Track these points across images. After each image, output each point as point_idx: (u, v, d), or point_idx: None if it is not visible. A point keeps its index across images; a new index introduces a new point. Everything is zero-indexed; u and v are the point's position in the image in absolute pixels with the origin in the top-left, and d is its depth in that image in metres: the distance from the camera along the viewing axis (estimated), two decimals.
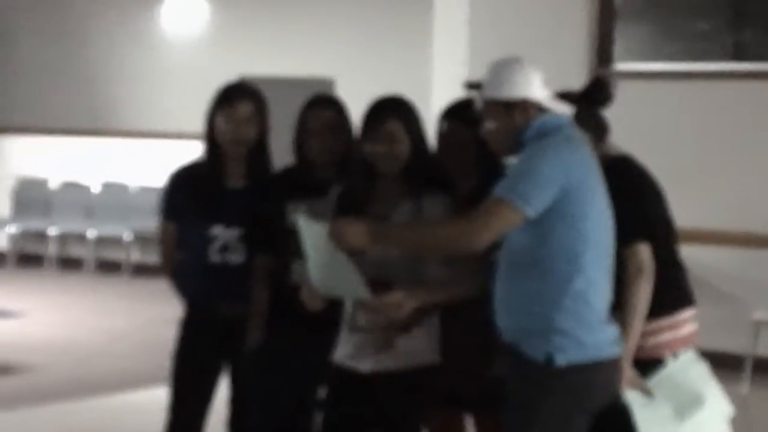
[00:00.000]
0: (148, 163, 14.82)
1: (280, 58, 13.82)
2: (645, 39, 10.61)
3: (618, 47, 10.51)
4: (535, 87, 4.26)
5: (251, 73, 13.94)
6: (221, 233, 5.16)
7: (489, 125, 4.33)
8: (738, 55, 10.25)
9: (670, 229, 4.66)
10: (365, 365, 4.71)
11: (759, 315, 9.32)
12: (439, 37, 11.19)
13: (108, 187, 15.39)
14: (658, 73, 10.30)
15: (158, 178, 13.79)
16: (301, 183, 5.06)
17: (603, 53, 10.42)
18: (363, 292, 4.48)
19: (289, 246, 4.80)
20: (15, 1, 16.11)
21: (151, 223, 13.12)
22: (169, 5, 15.19)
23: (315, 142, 5.07)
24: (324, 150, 5.05)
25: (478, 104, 4.39)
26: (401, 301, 4.48)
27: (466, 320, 4.59)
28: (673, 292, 4.57)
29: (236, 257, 5.15)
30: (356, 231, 4.25)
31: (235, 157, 5.20)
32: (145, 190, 14.74)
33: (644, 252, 4.40)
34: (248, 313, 5.14)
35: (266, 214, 5.07)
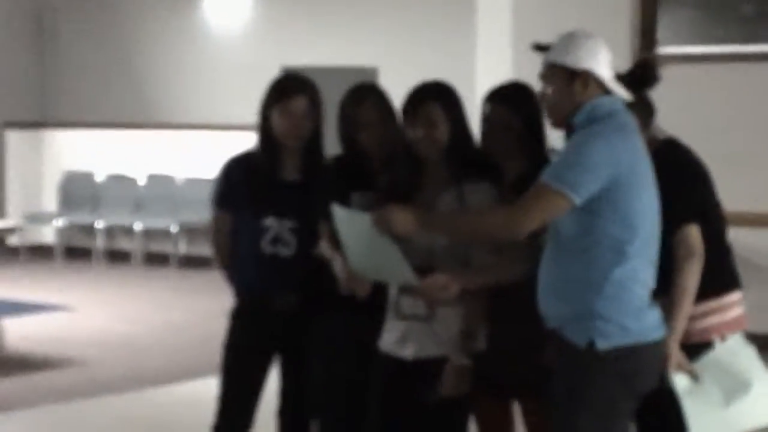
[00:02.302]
0: (194, 155, 14.94)
1: (322, 48, 13.86)
2: (689, 22, 10.56)
3: (662, 31, 10.48)
4: (602, 64, 4.24)
5: (294, 64, 14.03)
6: (273, 225, 5.16)
7: (547, 90, 4.31)
8: None
9: (718, 212, 4.64)
10: (408, 352, 4.74)
11: None
12: (482, 24, 11.18)
13: (154, 179, 15.49)
14: (703, 56, 10.25)
15: (204, 169, 14.02)
16: (356, 174, 5.03)
17: (647, 37, 10.38)
18: (409, 277, 4.50)
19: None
20: (62, 1, 16.19)
21: (198, 214, 13.33)
22: (214, 0, 15.24)
23: (366, 136, 5.04)
24: (375, 142, 5.01)
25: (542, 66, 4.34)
26: (446, 284, 4.51)
27: (515, 308, 4.58)
28: (720, 275, 4.55)
29: (287, 249, 5.15)
30: (403, 218, 4.28)
31: (289, 149, 5.20)
32: (191, 182, 14.88)
33: (694, 235, 4.40)
34: (298, 304, 5.16)
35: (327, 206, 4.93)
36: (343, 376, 5.07)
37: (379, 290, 4.79)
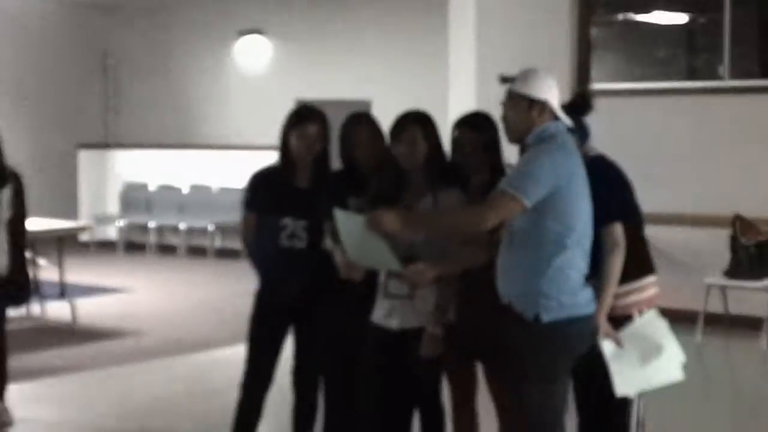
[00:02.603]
0: (226, 168, 14.89)
1: (327, 84, 13.80)
2: (616, 63, 10.60)
3: (595, 70, 10.50)
4: (555, 96, 4.26)
5: (305, 97, 14.00)
6: (290, 223, 5.15)
7: (508, 113, 4.32)
8: (690, 76, 10.23)
9: (637, 213, 4.64)
10: (394, 323, 4.75)
11: (709, 280, 9.28)
12: (453, 64, 11.17)
13: (195, 188, 15.49)
14: (626, 90, 10.26)
15: (234, 180, 14.01)
16: (352, 183, 5.02)
17: (583, 74, 10.40)
18: (395, 264, 4.51)
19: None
20: (124, 45, 16.20)
21: (231, 216, 13.29)
22: (241, 45, 15.28)
23: (360, 153, 5.05)
24: (367, 157, 5.02)
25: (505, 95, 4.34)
26: (424, 270, 4.52)
27: (479, 288, 4.56)
28: (639, 263, 4.54)
29: (300, 243, 5.15)
30: (390, 219, 4.26)
31: (303, 164, 5.19)
32: (224, 190, 14.83)
33: (618, 231, 4.39)
34: (310, 287, 5.16)
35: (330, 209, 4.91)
36: (343, 343, 5.07)
37: (371, 275, 4.80)
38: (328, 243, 4.97)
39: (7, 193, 6.44)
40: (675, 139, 9.95)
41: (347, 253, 4.68)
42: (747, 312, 9.40)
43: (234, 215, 15.37)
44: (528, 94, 4.23)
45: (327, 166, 5.26)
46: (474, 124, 4.79)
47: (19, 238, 6.52)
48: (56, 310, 10.13)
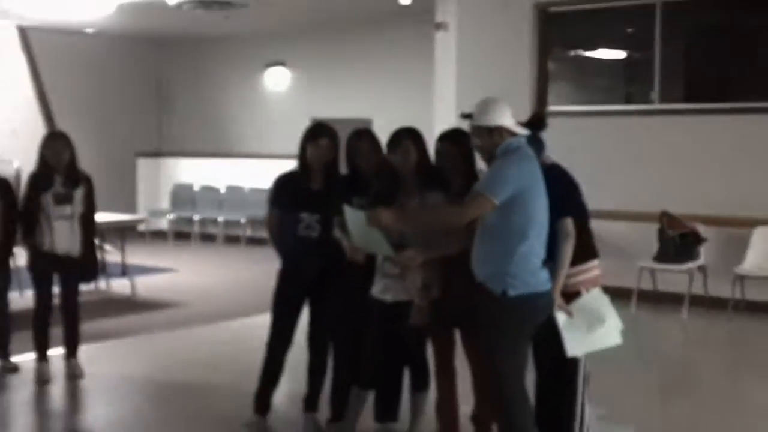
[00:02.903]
0: (255, 172, 14.81)
1: (337, 105, 13.79)
2: (566, 90, 10.61)
3: (550, 96, 10.50)
4: (507, 118, 4.24)
5: (319, 116, 14.02)
6: (306, 217, 5.11)
7: (476, 142, 4.32)
8: (627, 101, 10.24)
9: (584, 210, 4.61)
10: (388, 297, 4.76)
11: (641, 263, 9.32)
12: (437, 91, 11.18)
13: (231, 188, 15.41)
14: (576, 112, 10.25)
15: (262, 182, 14.02)
16: (356, 186, 5.01)
17: (541, 99, 10.40)
18: (388, 250, 4.52)
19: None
20: (174, 73, 16.22)
21: (259, 211, 13.25)
22: (267, 74, 15.24)
23: (362, 161, 5.05)
24: (368, 165, 5.02)
25: (469, 128, 4.35)
26: (413, 256, 4.52)
27: (458, 270, 4.52)
28: (585, 249, 4.52)
29: (314, 233, 5.11)
30: (386, 215, 4.28)
31: (316, 169, 5.16)
32: (254, 190, 14.74)
33: (569, 224, 4.37)
34: (322, 268, 5.12)
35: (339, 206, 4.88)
36: (348, 312, 5.06)
37: (370, 259, 4.81)
38: (337, 233, 4.95)
39: (80, 192, 6.45)
40: (615, 151, 9.95)
41: (353, 240, 4.68)
42: (671, 289, 9.43)
43: (261, 210, 15.44)
44: (485, 124, 4.24)
45: (336, 171, 5.23)
46: (454, 139, 4.77)
47: (89, 228, 6.53)
48: (119, 286, 10.19)
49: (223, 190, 15.51)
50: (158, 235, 15.46)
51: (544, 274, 4.20)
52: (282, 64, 15.06)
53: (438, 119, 10.52)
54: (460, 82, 10.75)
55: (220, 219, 15.09)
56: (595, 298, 4.48)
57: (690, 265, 9.14)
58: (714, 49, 9.83)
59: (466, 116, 4.35)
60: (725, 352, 8.30)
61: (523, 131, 4.29)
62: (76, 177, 6.45)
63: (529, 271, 4.12)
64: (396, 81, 13.54)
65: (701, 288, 9.30)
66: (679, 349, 8.31)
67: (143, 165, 16.11)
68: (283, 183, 5.31)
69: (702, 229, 9.18)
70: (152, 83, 16.38)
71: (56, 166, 6.37)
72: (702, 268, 9.27)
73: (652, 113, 9.88)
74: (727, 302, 9.14)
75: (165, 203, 16.00)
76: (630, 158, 9.89)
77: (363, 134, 5.13)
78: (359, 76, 14.04)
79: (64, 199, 6.36)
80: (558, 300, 4.34)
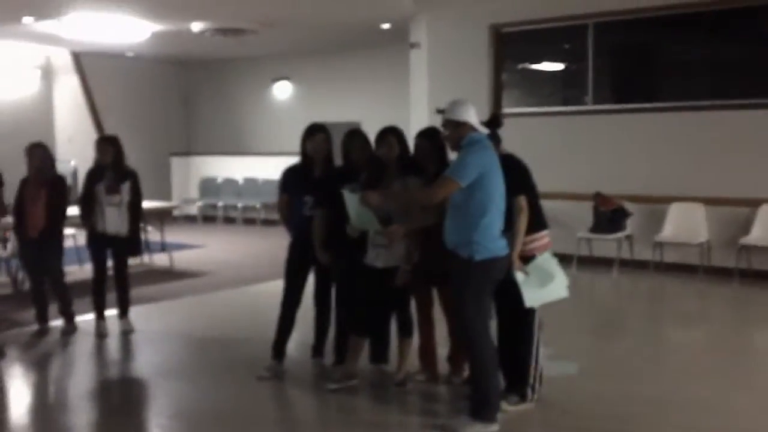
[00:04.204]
0: (267, 167, 14.74)
1: (331, 110, 13.74)
2: (518, 95, 10.61)
3: (504, 100, 10.49)
4: (472, 116, 4.23)
5: (317, 119, 13.87)
6: (309, 200, 5.10)
7: (445, 133, 4.31)
8: (565, 103, 10.26)
9: (534, 190, 4.58)
10: (379, 263, 4.76)
11: (580, 234, 9.33)
12: (413, 96, 11.16)
13: (247, 180, 15.31)
14: (525, 113, 10.25)
15: (273, 174, 13.92)
16: (348, 175, 4.94)
17: (497, 102, 10.40)
18: (377, 225, 4.54)
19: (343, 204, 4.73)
20: (199, 87, 16.09)
21: (270, 198, 13.30)
22: (274, 87, 15.14)
23: (354, 155, 4.98)
24: (360, 158, 4.96)
25: (441, 121, 4.31)
26: (397, 229, 4.54)
27: (433, 239, 4.54)
28: (537, 221, 4.52)
29: (317, 213, 5.06)
30: (375, 197, 4.30)
31: (316, 161, 5.14)
32: (266, 181, 14.69)
33: (523, 200, 4.37)
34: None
35: (333, 187, 4.87)
36: (348, 277, 5.05)
37: (364, 234, 4.79)
38: (348, 229, 4.79)
39: (127, 185, 6.43)
40: (557, 144, 9.95)
41: (350, 218, 4.64)
42: (604, 255, 9.47)
43: (274, 197, 15.38)
44: (454, 119, 4.23)
45: (331, 161, 5.22)
46: (429, 135, 4.78)
47: (135, 213, 6.52)
48: (159, 259, 10.13)
49: (241, 182, 15.42)
50: (189, 219, 15.39)
51: (503, 242, 4.20)
52: (286, 78, 14.98)
53: (414, 120, 10.51)
54: (432, 89, 10.74)
55: (240, 205, 15.02)
56: (546, 260, 4.49)
57: (619, 234, 9.19)
58: (636, 61, 9.85)
59: (440, 111, 4.34)
60: (647, 304, 8.35)
61: (484, 129, 4.29)
62: (123, 172, 6.43)
63: (490, 240, 4.12)
64: (379, 90, 13.51)
65: (628, 253, 9.36)
66: (610, 302, 8.34)
67: (176, 163, 16.00)
68: (290, 172, 5.30)
69: (628, 206, 9.23)
70: (181, 95, 16.27)
71: (105, 163, 6.36)
72: (629, 237, 9.32)
73: (587, 113, 9.88)
74: (649, 264, 9.21)
75: (194, 193, 15.91)
76: (569, 149, 9.90)
77: (355, 134, 5.09)
78: (349, 87, 13.98)
79: (113, 190, 6.35)
80: (516, 262, 4.35)
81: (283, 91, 15.08)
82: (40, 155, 6.33)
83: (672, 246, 9.11)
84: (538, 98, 10.33)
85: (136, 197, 6.49)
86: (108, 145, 6.42)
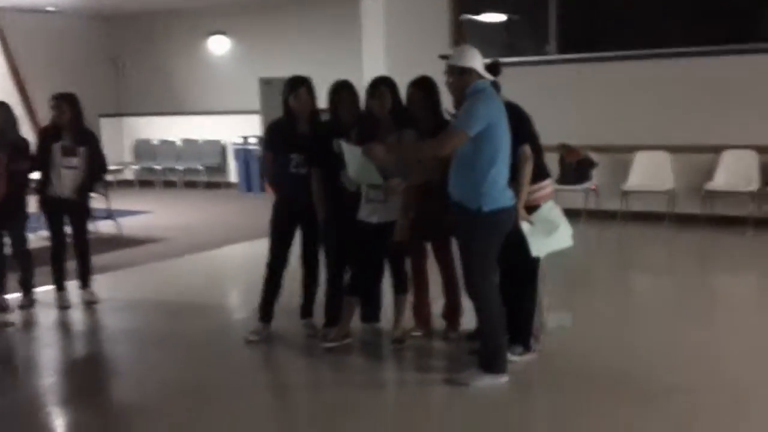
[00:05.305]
0: (206, 127, 14.55)
1: (276, 66, 13.49)
2: (478, 46, 10.62)
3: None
4: (478, 63, 4.23)
5: (262, 76, 13.79)
6: (295, 157, 5.06)
7: (449, 80, 4.26)
8: (527, 52, 10.35)
9: (536, 138, 4.61)
10: (374, 219, 4.80)
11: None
12: (366, 48, 11.09)
13: (186, 141, 15.04)
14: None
15: (211, 135, 13.88)
16: (337, 129, 4.92)
17: None
18: (378, 179, 4.56)
19: (337, 160, 4.73)
20: (130, 43, 15.66)
21: (212, 160, 13.11)
22: (210, 41, 14.80)
23: (342, 109, 4.92)
24: (350, 112, 4.93)
25: (445, 67, 4.26)
26: (397, 183, 4.59)
27: (431, 195, 4.63)
28: (541, 171, 4.58)
29: (303, 170, 5.05)
30: (380, 149, 4.31)
31: (300, 117, 5.08)
32: (207, 142, 14.51)
33: (527, 150, 4.40)
34: (311, 200, 5.04)
35: (324, 145, 4.89)
36: (338, 232, 5.04)
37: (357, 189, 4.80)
38: (343, 178, 4.82)
39: (85, 147, 6.28)
40: (523, 94, 9.86)
41: (349, 171, 4.62)
42: (571, 206, 9.51)
43: (216, 159, 15.19)
44: (459, 65, 4.21)
45: (318, 116, 5.15)
46: (421, 85, 4.80)
47: (96, 177, 6.39)
48: (105, 226, 9.88)
49: (179, 143, 15.15)
50: (124, 183, 15.08)
51: (510, 193, 4.26)
52: (222, 33, 14.65)
53: (367, 72, 10.46)
54: (389, 41, 10.67)
55: (179, 168, 14.78)
56: (550, 209, 4.56)
57: (585, 185, 9.41)
58: (599, 8, 9.98)
59: (444, 57, 4.31)
60: (615, 253, 8.62)
61: (489, 76, 4.29)
62: (81, 133, 6.30)
63: (497, 190, 4.17)
64: (326, 43, 13.33)
65: (594, 203, 9.59)
66: (580, 253, 8.48)
67: (106, 124, 15.54)
68: (275, 129, 5.23)
69: (594, 156, 9.42)
70: (110, 52, 15.76)
71: (61, 123, 6.20)
72: (595, 188, 9.55)
73: (549, 62, 10.00)
74: (616, 214, 9.47)
75: (128, 156, 15.55)
76: (536, 100, 9.87)
77: (343, 86, 5.00)
78: (294, 41, 13.73)
79: (70, 152, 6.19)
80: (522, 212, 4.40)
81: (220, 46, 14.79)
82: (3, 116, 6.08)
83: (638, 195, 9.37)
84: (499, 49, 10.38)
85: (99, 159, 6.34)
86: (65, 104, 6.23)
